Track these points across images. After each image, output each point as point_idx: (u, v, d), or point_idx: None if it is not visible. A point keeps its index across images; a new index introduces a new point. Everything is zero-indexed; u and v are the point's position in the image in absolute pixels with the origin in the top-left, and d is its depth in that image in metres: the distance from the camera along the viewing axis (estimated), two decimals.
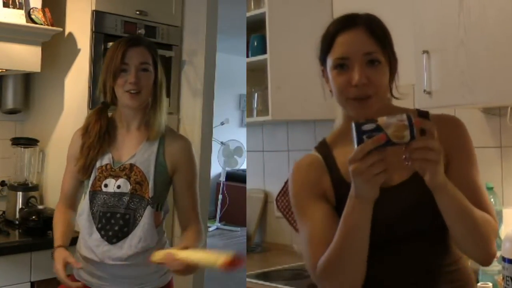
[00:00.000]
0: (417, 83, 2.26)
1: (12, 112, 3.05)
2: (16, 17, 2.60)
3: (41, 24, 2.67)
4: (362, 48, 1.34)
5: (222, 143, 7.58)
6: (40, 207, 2.83)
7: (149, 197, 1.90)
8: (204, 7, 3.05)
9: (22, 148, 2.98)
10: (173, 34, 3.09)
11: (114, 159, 1.93)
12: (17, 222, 2.80)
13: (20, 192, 2.90)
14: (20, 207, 2.86)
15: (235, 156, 7.73)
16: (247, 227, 3.42)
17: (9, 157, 3.01)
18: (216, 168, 7.53)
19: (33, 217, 2.66)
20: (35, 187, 2.97)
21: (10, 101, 3.00)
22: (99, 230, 1.90)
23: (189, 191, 2.01)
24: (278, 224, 3.39)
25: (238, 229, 7.48)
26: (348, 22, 1.37)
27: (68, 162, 2.04)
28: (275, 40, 2.92)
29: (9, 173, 3.02)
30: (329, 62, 1.38)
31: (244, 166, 7.73)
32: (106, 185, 1.91)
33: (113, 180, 1.91)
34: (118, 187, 1.90)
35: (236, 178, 7.91)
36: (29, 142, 2.99)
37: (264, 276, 2.64)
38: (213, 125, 3.24)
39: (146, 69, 1.91)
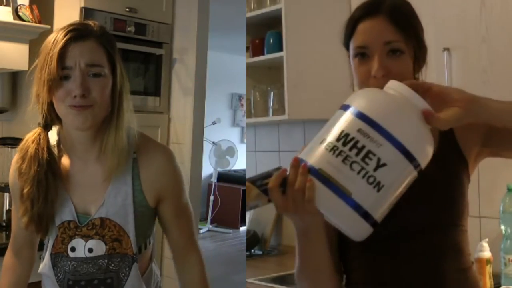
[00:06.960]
0: (437, 81, 2.20)
1: None
2: (3, 14, 2.56)
3: (29, 22, 2.63)
4: (382, 37, 1.28)
5: (213, 143, 7.54)
6: None
7: (133, 253, 1.46)
8: (195, 4, 3.03)
9: (9, 148, 2.93)
10: (164, 32, 3.07)
11: (78, 212, 1.44)
12: (4, 224, 2.75)
13: (7, 193, 2.85)
14: (7, 208, 2.81)
15: (227, 157, 7.68)
16: (263, 229, 3.30)
17: None
18: (208, 169, 7.49)
19: None
20: None
21: None
22: None
23: (182, 218, 1.56)
24: None
25: (230, 231, 7.43)
26: (371, 9, 1.31)
27: (13, 199, 1.54)
28: (291, 37, 2.86)
29: None
30: (351, 50, 1.33)
31: (236, 167, 7.70)
32: (73, 249, 1.45)
33: (81, 241, 1.44)
34: (90, 250, 1.44)
35: (228, 179, 7.87)
36: (16, 142, 2.91)
37: (281, 280, 2.56)
38: (205, 125, 3.21)
39: (98, 74, 1.36)
